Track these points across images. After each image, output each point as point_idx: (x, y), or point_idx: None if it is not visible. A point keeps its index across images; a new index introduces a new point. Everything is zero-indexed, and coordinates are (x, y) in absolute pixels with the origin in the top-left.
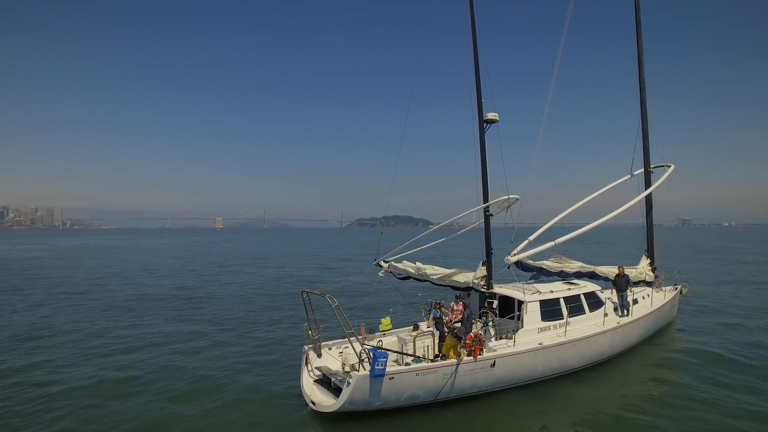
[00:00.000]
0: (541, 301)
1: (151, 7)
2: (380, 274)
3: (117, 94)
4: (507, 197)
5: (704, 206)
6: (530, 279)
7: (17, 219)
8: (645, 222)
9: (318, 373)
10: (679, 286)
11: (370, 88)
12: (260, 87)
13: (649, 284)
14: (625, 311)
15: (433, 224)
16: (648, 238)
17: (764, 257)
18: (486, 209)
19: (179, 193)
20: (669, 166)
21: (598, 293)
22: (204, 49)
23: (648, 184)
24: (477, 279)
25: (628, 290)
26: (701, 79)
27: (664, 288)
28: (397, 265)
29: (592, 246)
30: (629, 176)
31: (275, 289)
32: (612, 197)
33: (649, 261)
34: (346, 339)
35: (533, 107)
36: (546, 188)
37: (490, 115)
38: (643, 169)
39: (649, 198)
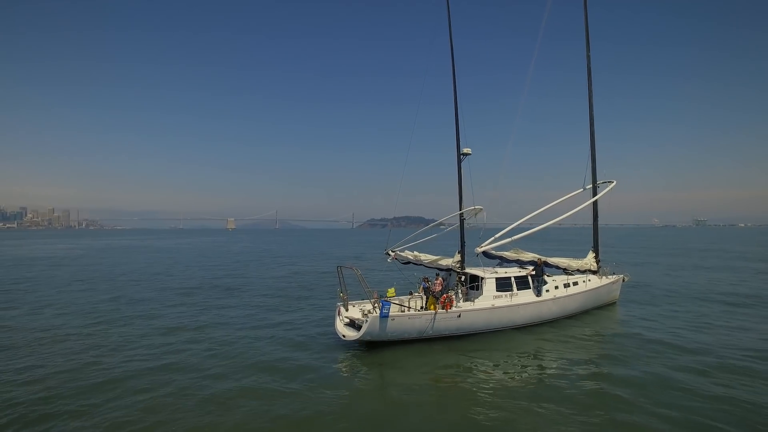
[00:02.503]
0: (496, 278)
1: (156, 7)
2: (388, 260)
3: (121, 93)
4: (473, 208)
5: (721, 207)
6: (497, 265)
7: (35, 219)
8: (593, 225)
9: (346, 320)
10: (622, 275)
11: (382, 87)
12: (269, 87)
13: (594, 272)
14: (538, 292)
15: (444, 225)
16: (594, 237)
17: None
18: (461, 215)
19: (190, 194)
20: (611, 182)
21: (544, 276)
22: (210, 49)
23: (595, 195)
24: (454, 263)
25: (543, 276)
26: (709, 79)
27: (608, 276)
28: (401, 253)
29: (566, 244)
30: (582, 189)
31: (302, 277)
32: (582, 204)
33: (594, 254)
34: (365, 300)
35: (539, 108)
36: (555, 187)
37: (466, 150)
38: (593, 184)
39: (595, 206)
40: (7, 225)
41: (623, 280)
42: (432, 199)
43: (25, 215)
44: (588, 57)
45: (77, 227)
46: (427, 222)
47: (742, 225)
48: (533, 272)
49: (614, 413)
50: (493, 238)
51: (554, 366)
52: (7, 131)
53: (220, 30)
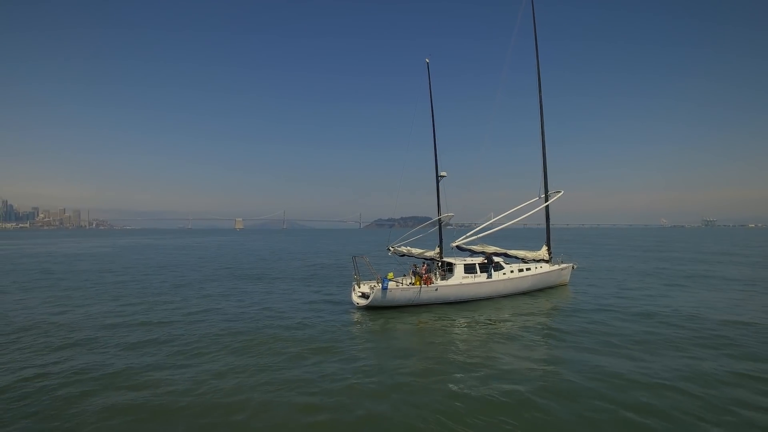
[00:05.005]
0: (464, 264)
1: (161, 6)
2: (389, 254)
3: (125, 91)
4: (447, 214)
5: (731, 207)
6: (469, 256)
7: (46, 219)
8: (546, 224)
9: (359, 293)
10: (572, 264)
11: (389, 86)
12: (276, 86)
13: (547, 261)
14: (489, 275)
15: (451, 225)
16: (548, 234)
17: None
18: (439, 220)
19: (197, 194)
20: (559, 192)
21: (502, 263)
22: (217, 47)
23: (546, 199)
24: (435, 254)
25: (492, 264)
26: (715, 78)
27: (560, 264)
28: (398, 248)
29: (538, 241)
30: (537, 198)
31: (319, 269)
32: (536, 209)
33: (547, 248)
34: (371, 280)
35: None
36: (564, 189)
37: (442, 173)
38: (545, 194)
39: (546, 211)
40: (20, 225)
41: (573, 268)
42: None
43: (37, 215)
44: (539, 94)
45: (88, 227)
46: (434, 222)
47: (752, 225)
48: (485, 261)
49: (535, 347)
50: (464, 236)
51: (503, 321)
52: (17, 130)
53: (226, 29)
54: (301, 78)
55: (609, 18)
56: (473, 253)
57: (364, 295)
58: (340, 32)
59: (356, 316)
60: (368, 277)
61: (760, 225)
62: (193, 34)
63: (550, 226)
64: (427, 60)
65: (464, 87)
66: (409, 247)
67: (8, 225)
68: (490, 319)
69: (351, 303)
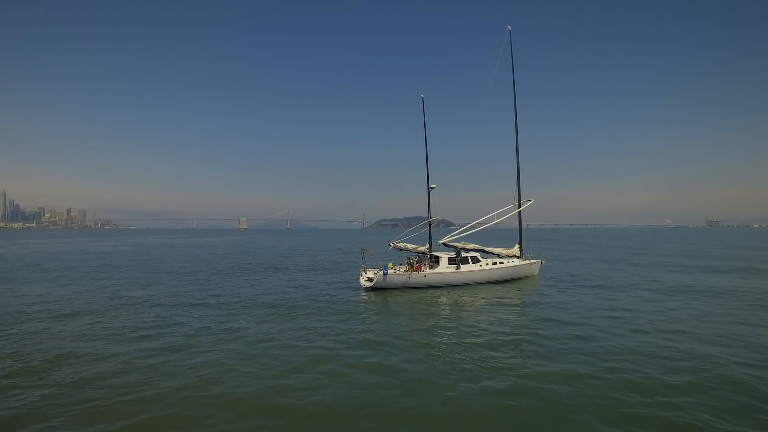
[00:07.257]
0: (447, 257)
1: (163, 5)
2: (389, 249)
3: (126, 90)
4: (436, 218)
5: (737, 206)
6: (453, 251)
7: (52, 219)
8: (519, 227)
9: (365, 277)
10: (540, 259)
11: (393, 86)
12: (280, 85)
13: (518, 257)
14: (457, 266)
15: (454, 224)
16: (520, 234)
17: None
18: (429, 222)
19: (200, 194)
20: (530, 200)
21: (479, 257)
22: (220, 47)
23: (519, 206)
24: (426, 249)
25: (460, 257)
26: (718, 78)
27: (530, 259)
28: (397, 244)
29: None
30: (512, 205)
31: (330, 263)
32: (510, 213)
33: (519, 246)
34: (375, 268)
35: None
36: (567, 189)
37: (432, 185)
38: (518, 202)
39: (519, 216)
40: (26, 225)
41: (542, 263)
42: (446, 198)
43: (43, 215)
44: (515, 116)
45: (93, 227)
46: (437, 221)
47: (757, 226)
48: (455, 255)
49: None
50: (450, 235)
51: (473, 298)
52: (19, 129)
53: (229, 28)
54: (304, 77)
55: (609, 17)
56: (456, 249)
57: (369, 279)
58: (345, 32)
59: (363, 294)
60: (372, 266)
61: (764, 225)
62: (197, 33)
63: (547, 226)
64: (422, 96)
65: (470, 86)
66: (405, 243)
67: (15, 225)
68: (463, 297)
69: (359, 285)
